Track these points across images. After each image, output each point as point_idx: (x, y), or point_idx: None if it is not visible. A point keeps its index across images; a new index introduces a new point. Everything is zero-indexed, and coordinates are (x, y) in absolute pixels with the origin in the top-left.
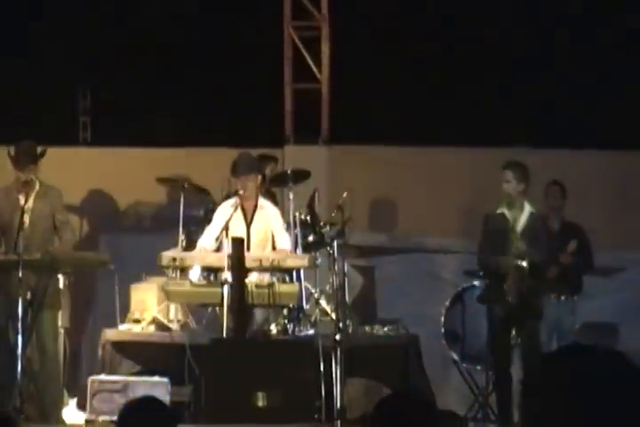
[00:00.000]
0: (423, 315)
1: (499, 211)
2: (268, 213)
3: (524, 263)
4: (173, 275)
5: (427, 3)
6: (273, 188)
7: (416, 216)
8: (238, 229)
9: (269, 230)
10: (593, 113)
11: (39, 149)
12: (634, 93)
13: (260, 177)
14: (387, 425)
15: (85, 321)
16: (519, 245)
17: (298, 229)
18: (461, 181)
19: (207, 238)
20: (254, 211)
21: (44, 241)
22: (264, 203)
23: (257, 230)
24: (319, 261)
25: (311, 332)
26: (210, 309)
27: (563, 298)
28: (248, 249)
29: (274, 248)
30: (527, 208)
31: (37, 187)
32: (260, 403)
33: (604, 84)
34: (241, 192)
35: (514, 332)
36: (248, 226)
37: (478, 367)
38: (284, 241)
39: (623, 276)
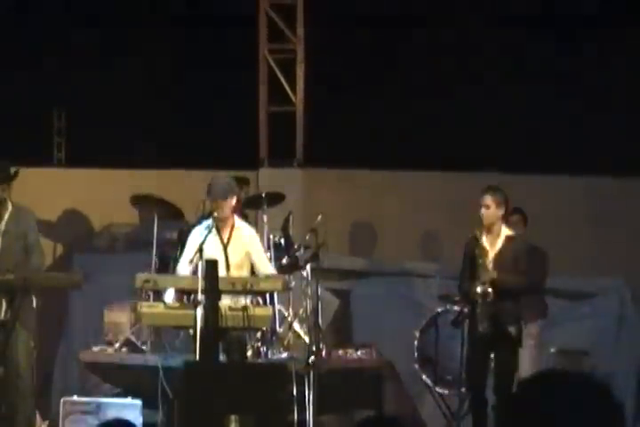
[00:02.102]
0: (397, 339)
1: (473, 236)
2: (245, 235)
3: (489, 289)
4: (146, 297)
5: (402, 27)
6: (247, 210)
7: (390, 240)
8: (214, 250)
9: (247, 251)
10: (565, 139)
11: (12, 170)
12: (607, 121)
13: (235, 199)
14: None
15: (57, 342)
16: (489, 271)
17: (271, 251)
18: (434, 204)
19: (182, 264)
20: (231, 232)
21: (17, 262)
22: (241, 224)
23: (234, 251)
24: (293, 284)
25: (284, 355)
26: (183, 331)
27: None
28: (227, 270)
29: (252, 270)
30: (504, 232)
31: (10, 208)
32: (233, 426)
33: (580, 110)
34: (215, 214)
35: (492, 357)
36: (225, 247)
37: (448, 392)
38: (268, 266)
39: (594, 302)
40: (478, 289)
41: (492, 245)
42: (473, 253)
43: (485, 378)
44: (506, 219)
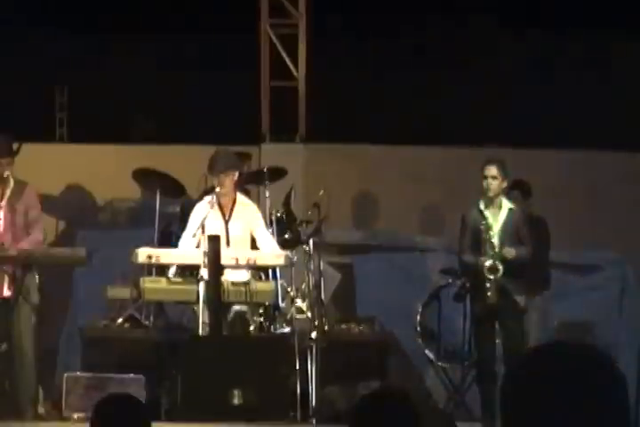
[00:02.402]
0: (400, 313)
1: (476, 209)
2: (248, 210)
3: (498, 262)
4: (149, 272)
5: (403, 2)
6: (249, 185)
7: (392, 214)
8: (216, 225)
9: (249, 226)
10: (565, 113)
11: (14, 146)
12: (606, 94)
13: (237, 174)
14: (369, 424)
15: (60, 317)
16: (495, 244)
17: (274, 227)
18: (435, 179)
19: (185, 240)
20: (232, 207)
21: (19, 238)
22: (243, 199)
23: (236, 226)
24: (295, 259)
25: (287, 330)
26: (185, 306)
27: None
28: (227, 245)
29: (253, 244)
30: (506, 205)
31: (12, 184)
32: (236, 401)
33: (578, 84)
34: (217, 189)
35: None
36: (226, 222)
37: (450, 365)
38: (271, 241)
39: (596, 274)
40: (487, 264)
41: (495, 219)
42: (476, 226)
43: (494, 351)
44: (506, 192)
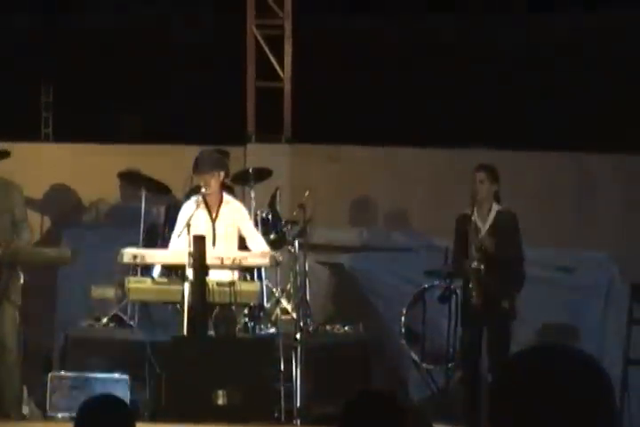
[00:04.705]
0: (384, 314)
1: (465, 212)
2: (234, 209)
3: (482, 266)
4: (134, 272)
5: (387, 3)
6: (234, 186)
7: (378, 215)
8: (203, 225)
9: (236, 226)
10: (551, 114)
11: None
12: (591, 95)
13: (222, 174)
14: (356, 425)
15: (44, 317)
16: (480, 247)
17: (259, 227)
18: (421, 180)
19: (174, 240)
20: (219, 206)
21: (5, 237)
22: (229, 198)
23: (222, 226)
24: (280, 259)
25: (272, 331)
26: (171, 306)
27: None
28: (214, 245)
29: (241, 244)
30: (495, 208)
31: None
32: (220, 401)
33: (562, 84)
34: (203, 189)
35: (485, 332)
36: (213, 221)
37: (435, 368)
38: (261, 241)
39: (581, 275)
40: (473, 265)
41: (484, 222)
42: (465, 230)
43: (479, 354)
44: (495, 194)
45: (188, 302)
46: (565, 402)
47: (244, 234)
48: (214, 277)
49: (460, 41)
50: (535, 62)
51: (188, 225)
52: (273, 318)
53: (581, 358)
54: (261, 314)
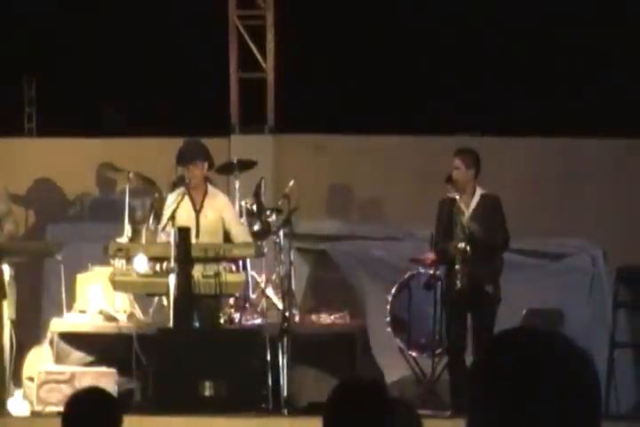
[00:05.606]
0: (371, 302)
1: (449, 196)
2: (219, 201)
3: (467, 247)
4: (119, 265)
5: None
6: (219, 176)
7: (363, 204)
8: (187, 217)
9: (220, 217)
10: (537, 100)
11: None
12: (579, 81)
13: (206, 164)
14: (342, 413)
15: (32, 312)
16: (465, 229)
17: (244, 218)
18: (406, 168)
19: (159, 233)
20: (203, 198)
21: None
22: (214, 190)
23: (207, 217)
24: (265, 250)
25: (258, 321)
26: (156, 298)
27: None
28: (197, 237)
29: (225, 236)
30: (478, 191)
31: None
32: (207, 393)
33: (551, 70)
34: (187, 181)
35: (469, 316)
36: (197, 213)
37: (421, 355)
38: (244, 232)
39: (566, 262)
40: (459, 245)
41: (467, 205)
42: (449, 213)
43: (464, 339)
44: (476, 177)
45: (174, 295)
46: (548, 386)
47: (228, 227)
48: (199, 268)
49: (444, 28)
50: (520, 46)
51: (173, 217)
52: (259, 308)
53: (563, 340)
54: (247, 305)
